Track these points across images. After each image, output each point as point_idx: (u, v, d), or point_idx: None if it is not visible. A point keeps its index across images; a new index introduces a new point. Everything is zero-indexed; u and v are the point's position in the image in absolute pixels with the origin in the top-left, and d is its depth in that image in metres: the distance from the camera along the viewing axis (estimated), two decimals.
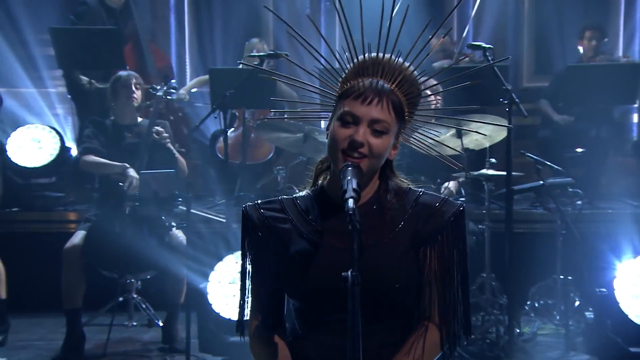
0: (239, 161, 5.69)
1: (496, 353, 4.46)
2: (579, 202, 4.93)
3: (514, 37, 7.55)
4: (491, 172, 4.61)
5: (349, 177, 1.88)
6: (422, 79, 2.04)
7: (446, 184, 4.80)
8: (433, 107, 5.00)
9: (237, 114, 6.08)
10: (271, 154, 5.97)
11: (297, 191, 2.15)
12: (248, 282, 2.09)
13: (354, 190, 1.84)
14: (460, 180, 4.76)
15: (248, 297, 2.09)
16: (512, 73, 7.44)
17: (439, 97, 4.98)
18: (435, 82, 2.09)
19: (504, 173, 4.44)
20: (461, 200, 4.64)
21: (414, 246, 2.02)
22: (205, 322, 4.16)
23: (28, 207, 5.78)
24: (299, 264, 1.99)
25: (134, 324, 4.90)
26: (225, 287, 4.21)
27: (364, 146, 1.93)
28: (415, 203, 2.03)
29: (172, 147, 4.72)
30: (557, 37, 7.24)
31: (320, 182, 2.11)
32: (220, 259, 4.23)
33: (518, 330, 4.70)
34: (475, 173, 4.63)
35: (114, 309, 4.64)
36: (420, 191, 2.08)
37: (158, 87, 4.85)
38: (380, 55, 1.99)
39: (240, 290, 2.11)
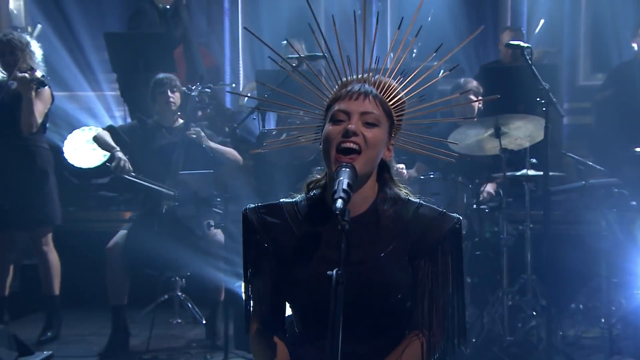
0: (283, 161, 5.75)
1: (536, 356, 4.41)
2: (634, 203, 4.82)
3: (570, 36, 7.41)
4: (532, 172, 4.57)
5: (341, 178, 1.90)
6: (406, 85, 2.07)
7: (483, 187, 4.77)
8: (476, 108, 5.00)
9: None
10: (313, 155, 6.00)
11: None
12: (249, 284, 2.14)
13: (343, 190, 1.86)
14: (498, 181, 4.71)
15: (251, 300, 2.15)
16: (568, 72, 7.34)
17: (480, 98, 4.99)
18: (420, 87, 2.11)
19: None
20: (498, 202, 4.61)
21: (410, 258, 2.03)
22: (241, 320, 4.24)
23: (83, 206, 6.00)
24: (295, 269, 2.03)
25: (179, 321, 5.04)
26: None
27: (358, 135, 1.96)
28: (414, 214, 2.04)
29: (212, 145, 4.79)
30: (613, 35, 7.07)
31: (319, 190, 2.12)
32: None
33: (561, 333, 4.64)
34: (518, 174, 4.59)
35: (159, 307, 4.78)
36: (419, 202, 2.09)
37: (192, 88, 4.95)
38: (362, 74, 2.05)
39: (244, 292, 2.17)
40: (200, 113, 6.05)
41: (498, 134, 4.50)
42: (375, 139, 1.98)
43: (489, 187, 4.78)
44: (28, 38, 4.95)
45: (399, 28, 2.09)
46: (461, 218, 2.10)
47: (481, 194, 4.72)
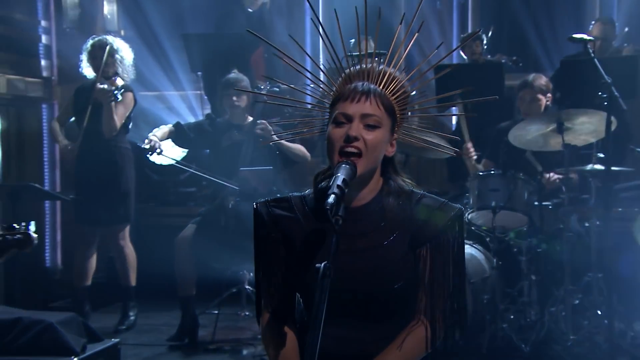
0: None
1: (600, 356, 4.32)
2: None
3: None
4: (598, 167, 4.46)
5: (338, 174, 1.97)
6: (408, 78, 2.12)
7: (548, 174, 4.69)
8: (544, 105, 4.92)
9: None
10: None
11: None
12: (259, 276, 2.23)
13: (337, 187, 1.93)
14: (561, 177, 4.63)
15: (262, 291, 2.23)
16: None
17: (550, 95, 4.92)
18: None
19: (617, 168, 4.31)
20: (561, 198, 4.53)
21: (412, 247, 2.10)
22: None
23: (163, 201, 6.27)
24: (303, 261, 2.11)
25: (247, 313, 5.21)
26: None
27: (359, 140, 2.02)
28: (416, 205, 2.11)
29: (281, 141, 4.92)
30: None
31: (325, 182, 2.21)
32: None
33: (632, 334, 4.52)
34: (585, 168, 4.50)
35: (227, 299, 4.96)
36: (422, 193, 2.15)
37: (262, 87, 5.09)
38: (366, 65, 2.10)
39: (255, 283, 2.27)
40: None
41: (561, 130, 4.43)
42: (376, 141, 2.05)
43: (554, 175, 4.69)
44: (117, 43, 5.24)
45: (400, 23, 2.16)
46: (463, 208, 2.15)
47: (546, 180, 4.65)
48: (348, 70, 2.11)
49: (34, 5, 6.74)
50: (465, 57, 6.70)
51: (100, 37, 5.33)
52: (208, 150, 5.18)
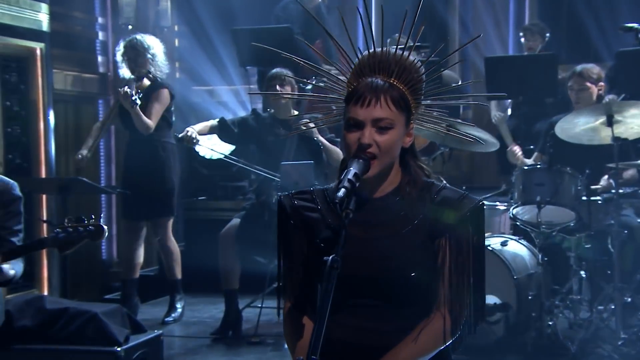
0: None
1: None
2: None
3: None
4: None
5: (350, 168, 2.01)
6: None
7: (602, 179, 4.61)
8: (596, 94, 4.84)
9: None
10: (426, 145, 6.01)
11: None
12: (281, 266, 2.27)
13: (349, 180, 1.97)
14: (612, 172, 4.53)
15: (283, 282, 2.28)
16: None
17: (602, 84, 4.83)
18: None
19: None
20: (612, 193, 4.44)
21: (432, 237, 2.11)
22: None
23: (212, 196, 6.38)
24: (324, 252, 2.15)
25: None
26: None
27: (372, 146, 2.05)
28: (437, 196, 2.13)
29: (320, 139, 4.96)
30: None
31: None
32: None
33: None
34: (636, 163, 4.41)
35: (270, 294, 5.01)
36: (442, 185, 2.17)
37: (307, 81, 5.11)
38: (377, 51, 2.10)
39: (278, 274, 2.31)
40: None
41: (610, 122, 4.34)
42: (390, 143, 2.06)
43: (604, 182, 4.61)
44: (149, 41, 5.34)
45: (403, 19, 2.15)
46: (483, 201, 2.15)
47: (598, 185, 4.58)
48: (357, 61, 2.12)
49: (91, 3, 6.94)
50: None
51: (130, 38, 5.44)
52: (254, 146, 5.23)
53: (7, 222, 3.16)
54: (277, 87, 4.94)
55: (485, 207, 2.17)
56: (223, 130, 5.09)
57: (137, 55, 5.22)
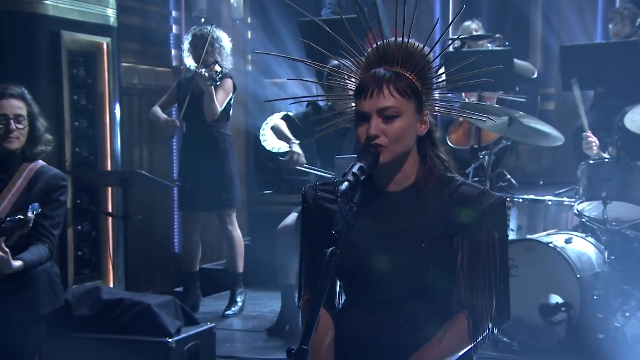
0: (468, 147, 5.78)
1: None
2: None
3: None
4: None
5: (356, 162, 2.05)
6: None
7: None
8: None
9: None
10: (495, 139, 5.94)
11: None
12: (302, 256, 2.34)
13: (353, 174, 2.01)
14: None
15: (304, 272, 2.34)
16: None
17: None
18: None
19: None
20: None
21: (450, 234, 2.12)
22: None
23: (278, 189, 6.48)
24: (338, 243, 2.20)
25: None
26: None
27: (380, 136, 2.08)
28: (454, 192, 2.13)
29: None
30: None
31: None
32: None
33: None
34: None
35: None
36: (462, 181, 2.17)
37: None
38: (382, 42, 2.15)
39: (299, 265, 2.37)
40: None
41: None
42: (398, 131, 2.09)
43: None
44: (217, 32, 5.52)
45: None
46: (505, 197, 2.14)
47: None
48: (366, 54, 2.15)
49: None
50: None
51: (200, 27, 5.61)
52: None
53: (44, 207, 3.33)
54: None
55: (507, 201, 2.17)
56: (290, 127, 5.15)
57: (205, 44, 5.40)
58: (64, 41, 5.03)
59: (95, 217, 5.25)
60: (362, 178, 2.02)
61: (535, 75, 6.86)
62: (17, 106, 3.52)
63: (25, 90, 3.59)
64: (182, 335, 4.06)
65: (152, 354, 3.99)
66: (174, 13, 7.21)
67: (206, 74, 5.26)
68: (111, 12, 5.43)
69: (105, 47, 5.33)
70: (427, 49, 2.14)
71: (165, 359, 3.96)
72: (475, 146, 5.34)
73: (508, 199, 4.71)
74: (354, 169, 2.02)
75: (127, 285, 5.09)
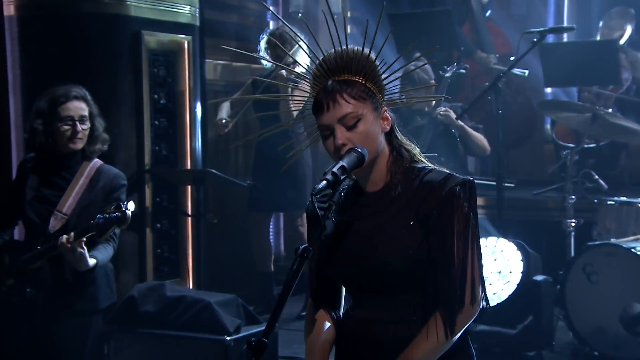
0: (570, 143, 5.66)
1: None
2: None
3: None
4: None
5: (338, 161, 2.16)
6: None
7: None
8: None
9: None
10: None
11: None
12: (309, 265, 2.42)
13: (332, 173, 2.12)
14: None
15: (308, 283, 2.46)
16: None
17: None
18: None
19: None
20: None
21: (420, 223, 2.19)
22: None
23: None
24: (330, 248, 2.30)
25: None
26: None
27: (347, 144, 2.18)
28: (420, 181, 2.21)
29: (461, 125, 4.95)
30: None
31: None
32: None
33: None
34: None
35: None
36: (430, 168, 2.25)
37: (447, 69, 5.15)
38: (322, 57, 2.26)
39: (309, 274, 2.48)
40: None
41: None
42: (363, 134, 2.19)
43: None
44: (297, 32, 5.61)
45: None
46: (471, 180, 2.19)
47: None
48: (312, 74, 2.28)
49: None
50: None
51: (277, 27, 5.72)
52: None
53: (106, 206, 3.60)
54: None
55: (476, 184, 2.20)
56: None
57: (284, 44, 5.50)
58: (144, 41, 5.30)
59: (175, 216, 5.50)
60: (342, 178, 2.13)
61: None
62: (81, 107, 3.82)
63: (85, 90, 3.88)
64: (241, 334, 4.24)
65: (210, 351, 4.20)
66: (271, 9, 7.39)
67: (284, 74, 5.38)
68: (192, 11, 5.65)
69: (186, 45, 5.56)
70: (366, 51, 2.22)
71: (223, 356, 4.15)
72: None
73: (596, 200, 4.61)
74: (334, 169, 2.12)
75: (204, 284, 5.30)
